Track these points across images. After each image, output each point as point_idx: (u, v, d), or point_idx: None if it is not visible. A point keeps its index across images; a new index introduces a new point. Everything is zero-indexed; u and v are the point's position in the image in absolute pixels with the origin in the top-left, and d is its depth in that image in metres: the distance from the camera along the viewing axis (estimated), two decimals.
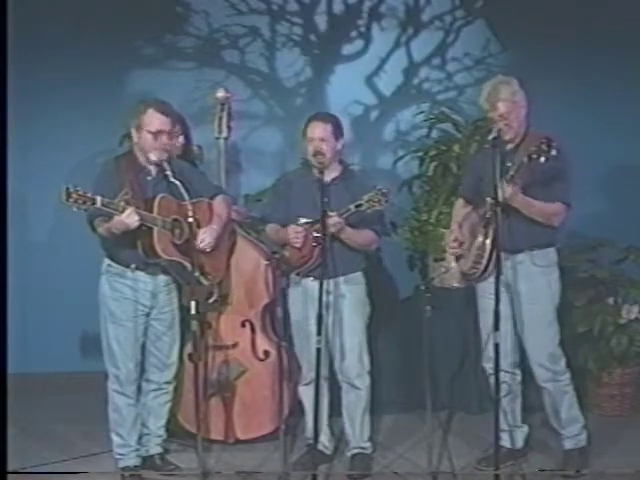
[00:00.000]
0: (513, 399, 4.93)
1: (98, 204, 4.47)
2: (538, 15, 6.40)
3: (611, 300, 5.72)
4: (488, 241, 4.71)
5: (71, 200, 4.40)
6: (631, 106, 6.43)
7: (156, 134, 4.72)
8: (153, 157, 4.73)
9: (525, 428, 5.04)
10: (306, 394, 4.98)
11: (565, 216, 4.79)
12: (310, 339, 4.80)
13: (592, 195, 6.34)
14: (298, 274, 4.95)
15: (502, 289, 4.70)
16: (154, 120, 4.72)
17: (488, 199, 4.63)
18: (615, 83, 6.43)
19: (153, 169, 4.79)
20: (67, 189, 4.40)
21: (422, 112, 6.32)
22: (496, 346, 4.55)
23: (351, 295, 4.92)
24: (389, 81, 6.75)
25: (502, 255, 4.66)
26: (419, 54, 6.74)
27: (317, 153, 4.80)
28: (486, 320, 4.80)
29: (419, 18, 6.71)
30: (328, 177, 4.86)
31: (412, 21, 6.71)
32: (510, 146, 4.75)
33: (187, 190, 4.71)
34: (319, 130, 4.82)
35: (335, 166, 4.93)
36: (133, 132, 4.78)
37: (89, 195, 4.45)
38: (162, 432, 5.07)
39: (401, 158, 6.37)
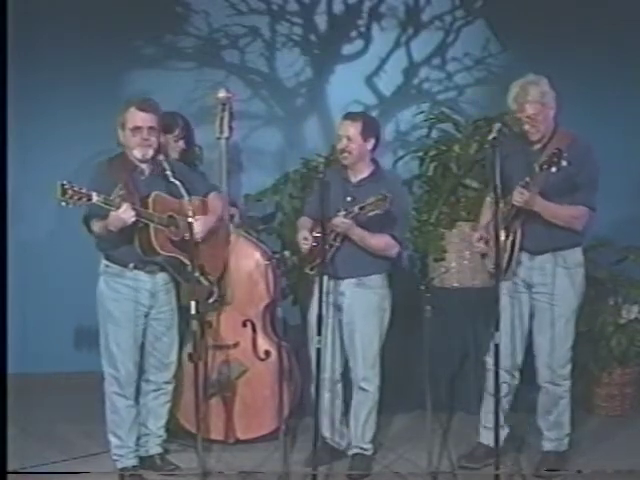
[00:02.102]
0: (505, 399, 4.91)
1: (94, 199, 4.47)
2: (538, 15, 6.41)
3: (611, 300, 5.72)
4: (509, 240, 4.71)
5: (67, 196, 4.39)
6: (631, 106, 6.44)
7: (134, 130, 4.72)
8: (137, 154, 4.74)
9: (506, 429, 4.96)
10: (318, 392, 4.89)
11: (588, 219, 4.75)
12: (325, 337, 4.80)
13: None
14: (312, 269, 4.92)
15: (523, 289, 4.79)
16: (134, 117, 4.73)
17: (515, 194, 4.59)
18: (615, 83, 6.44)
19: (146, 168, 4.80)
20: (62, 185, 4.39)
21: (422, 112, 6.32)
22: (496, 346, 4.56)
23: (363, 298, 4.88)
24: (389, 81, 6.75)
25: (524, 255, 4.71)
26: (419, 54, 6.74)
27: (342, 151, 4.83)
28: (506, 319, 4.81)
29: (419, 18, 6.71)
30: (357, 177, 4.89)
31: (412, 21, 6.72)
32: (538, 146, 4.74)
33: (187, 190, 4.73)
34: (347, 128, 4.82)
35: (365, 166, 4.90)
36: (119, 132, 4.78)
37: (84, 191, 4.44)
38: (162, 432, 5.06)
39: (401, 158, 6.37)
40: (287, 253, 5.03)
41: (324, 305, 4.72)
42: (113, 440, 4.94)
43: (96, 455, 5.13)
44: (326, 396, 4.99)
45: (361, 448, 5.02)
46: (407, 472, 4.91)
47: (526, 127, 4.69)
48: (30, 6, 6.33)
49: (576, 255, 4.79)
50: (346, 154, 4.81)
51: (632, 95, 6.44)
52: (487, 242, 4.85)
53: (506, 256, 4.71)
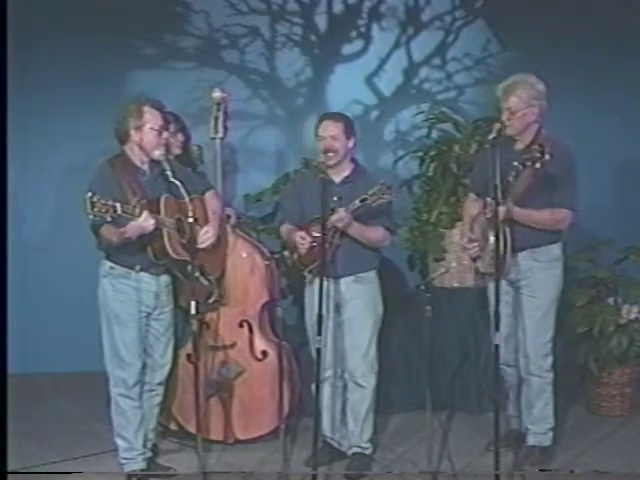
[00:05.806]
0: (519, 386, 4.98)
1: (119, 211, 4.47)
2: (538, 15, 6.40)
3: (611, 300, 5.71)
4: (501, 240, 4.72)
5: (95, 209, 4.39)
6: (631, 105, 6.44)
7: (157, 130, 4.74)
8: (157, 154, 4.74)
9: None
10: (319, 391, 4.90)
11: (571, 220, 4.80)
12: (325, 337, 4.80)
13: (592, 194, 6.33)
14: (310, 272, 4.94)
15: (507, 287, 4.81)
16: (155, 117, 4.75)
17: (487, 200, 4.63)
18: (615, 82, 6.43)
19: (147, 169, 4.79)
20: (91, 199, 4.37)
21: (422, 112, 6.32)
22: (496, 347, 4.56)
23: (362, 294, 4.91)
24: (389, 81, 6.75)
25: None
26: (419, 54, 6.74)
27: (328, 150, 4.87)
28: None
29: (419, 18, 6.71)
30: (340, 176, 4.93)
31: (412, 21, 6.72)
32: (520, 146, 4.76)
33: (187, 190, 4.73)
34: (331, 128, 4.89)
35: (346, 165, 4.96)
36: (132, 132, 4.75)
37: (110, 203, 4.44)
38: (152, 435, 5.02)
39: (401, 158, 6.37)
40: (287, 253, 5.03)
41: (324, 305, 4.71)
42: (120, 443, 4.89)
43: (96, 455, 5.12)
44: (327, 395, 4.99)
45: (361, 447, 5.02)
46: (407, 472, 4.91)
47: (504, 117, 4.72)
48: (30, 6, 6.33)
49: (554, 250, 4.84)
50: (331, 153, 4.86)
51: (632, 95, 6.44)
52: (474, 241, 4.89)
53: (500, 255, 4.72)
